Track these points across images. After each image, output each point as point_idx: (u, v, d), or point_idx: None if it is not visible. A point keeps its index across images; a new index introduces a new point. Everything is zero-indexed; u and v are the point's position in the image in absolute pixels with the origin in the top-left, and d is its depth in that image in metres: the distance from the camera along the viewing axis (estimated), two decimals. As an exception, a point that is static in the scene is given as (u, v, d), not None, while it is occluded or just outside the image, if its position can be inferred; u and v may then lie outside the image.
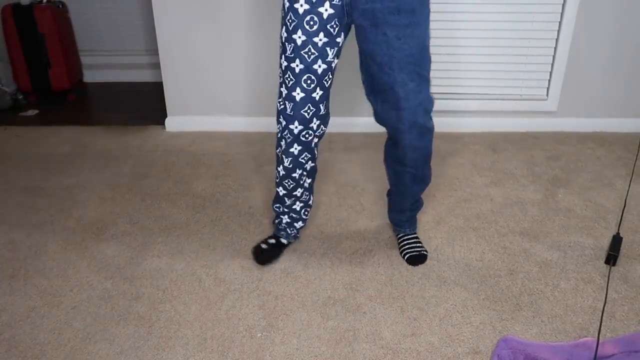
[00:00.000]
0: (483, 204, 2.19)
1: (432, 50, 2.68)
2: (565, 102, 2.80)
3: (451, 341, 1.53)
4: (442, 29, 2.66)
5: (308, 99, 1.56)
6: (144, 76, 3.76)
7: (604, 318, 1.60)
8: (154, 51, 3.70)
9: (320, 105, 1.60)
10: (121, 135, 2.86)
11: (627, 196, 2.22)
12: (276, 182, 1.80)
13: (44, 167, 2.52)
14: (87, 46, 3.70)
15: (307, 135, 1.63)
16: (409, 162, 1.66)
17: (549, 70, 2.74)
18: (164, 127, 2.93)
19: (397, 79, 1.50)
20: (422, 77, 1.54)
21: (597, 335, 1.53)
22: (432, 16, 2.61)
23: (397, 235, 1.95)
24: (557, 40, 2.67)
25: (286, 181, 1.74)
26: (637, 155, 2.58)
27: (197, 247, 1.94)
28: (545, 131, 2.84)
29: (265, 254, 1.85)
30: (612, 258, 1.82)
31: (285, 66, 1.55)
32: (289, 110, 1.59)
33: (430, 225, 2.05)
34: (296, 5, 1.47)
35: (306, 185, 1.78)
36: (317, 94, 1.57)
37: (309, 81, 1.54)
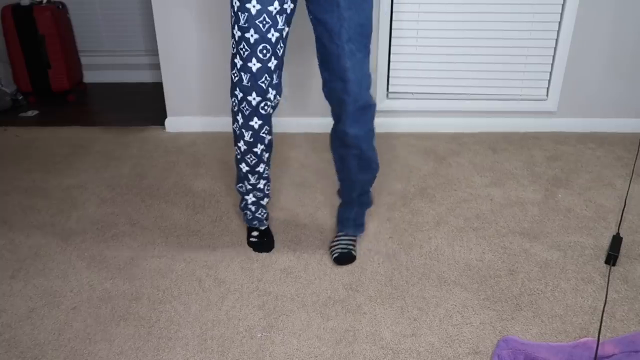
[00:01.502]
0: (483, 204, 2.19)
1: (432, 49, 2.71)
2: (565, 102, 2.80)
3: (451, 341, 1.53)
4: (442, 29, 2.66)
5: (264, 69, 1.56)
6: (143, 77, 3.77)
7: (604, 318, 1.60)
8: (153, 52, 3.70)
9: (274, 75, 1.59)
10: (121, 135, 2.86)
11: (627, 196, 2.22)
12: (237, 159, 1.78)
13: (44, 167, 2.52)
14: (87, 47, 3.70)
15: (265, 107, 1.63)
16: (351, 140, 1.66)
17: (549, 70, 2.74)
18: (164, 128, 2.93)
19: (346, 49, 1.53)
20: (367, 49, 1.57)
21: (597, 335, 1.53)
22: (430, 16, 2.64)
23: (336, 234, 1.92)
24: (557, 40, 2.67)
25: (248, 156, 1.74)
26: (637, 155, 2.58)
27: (197, 247, 1.94)
28: (545, 131, 2.84)
29: (260, 245, 1.91)
30: (612, 258, 1.82)
31: (239, 36, 1.53)
32: (245, 81, 1.57)
33: (430, 225, 2.05)
34: None
35: (265, 159, 1.78)
36: (272, 63, 1.56)
37: (264, 51, 1.53)
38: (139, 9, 3.61)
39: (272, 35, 1.52)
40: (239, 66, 1.56)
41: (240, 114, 1.64)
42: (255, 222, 1.93)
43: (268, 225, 1.98)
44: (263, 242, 1.92)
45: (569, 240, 1.97)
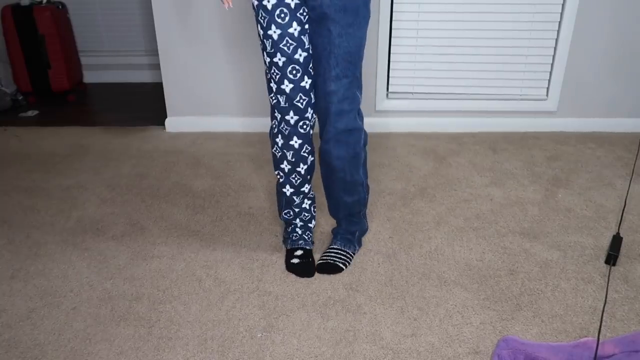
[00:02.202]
0: (483, 204, 2.19)
1: (432, 49, 2.71)
2: (565, 102, 2.80)
3: (451, 341, 1.53)
4: (442, 29, 2.66)
5: (298, 88, 1.60)
6: (144, 77, 3.77)
7: (604, 318, 1.60)
8: (153, 52, 3.70)
9: (311, 94, 1.64)
10: (121, 135, 2.86)
11: (627, 196, 2.22)
12: (280, 184, 1.79)
13: (44, 167, 2.52)
14: (87, 47, 3.70)
15: (304, 126, 1.67)
16: (335, 162, 1.67)
17: (549, 70, 2.74)
18: (164, 128, 2.93)
19: (332, 73, 1.57)
20: (354, 76, 1.60)
21: (597, 335, 1.53)
22: (431, 16, 2.65)
23: (329, 246, 1.90)
24: (557, 40, 2.67)
25: (293, 176, 1.76)
26: (637, 155, 2.58)
27: (197, 248, 1.94)
28: (545, 131, 2.84)
29: (304, 266, 1.80)
30: (612, 258, 1.82)
31: (269, 62, 1.59)
32: (282, 102, 1.63)
33: (430, 225, 2.05)
34: (264, 2, 1.52)
35: (309, 179, 1.80)
36: (307, 82, 1.61)
37: (294, 71, 1.58)
38: (139, 9, 3.61)
39: (300, 55, 1.57)
40: (274, 89, 1.62)
41: (280, 135, 1.68)
42: (302, 242, 1.86)
43: (312, 249, 1.88)
44: (308, 262, 1.81)
45: (569, 240, 1.97)
